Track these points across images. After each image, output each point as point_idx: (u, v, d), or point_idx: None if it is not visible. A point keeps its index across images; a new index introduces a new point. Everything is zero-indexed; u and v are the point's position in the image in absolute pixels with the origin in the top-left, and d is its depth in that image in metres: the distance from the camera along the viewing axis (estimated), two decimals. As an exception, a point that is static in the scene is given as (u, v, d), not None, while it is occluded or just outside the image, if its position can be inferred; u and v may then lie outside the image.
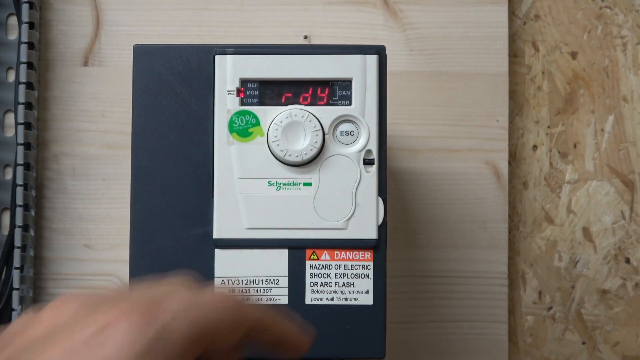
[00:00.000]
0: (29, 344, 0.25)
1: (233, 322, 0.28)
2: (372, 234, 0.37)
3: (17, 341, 0.25)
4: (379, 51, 0.38)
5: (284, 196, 0.37)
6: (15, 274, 0.48)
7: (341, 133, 0.37)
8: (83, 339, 0.24)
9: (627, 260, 0.52)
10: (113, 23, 0.52)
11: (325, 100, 0.37)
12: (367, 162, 0.37)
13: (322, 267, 0.37)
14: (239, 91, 0.37)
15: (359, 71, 0.37)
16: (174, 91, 0.38)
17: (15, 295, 0.48)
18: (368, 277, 0.37)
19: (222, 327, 0.27)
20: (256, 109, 0.37)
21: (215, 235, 0.37)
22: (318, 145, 0.37)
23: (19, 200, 0.48)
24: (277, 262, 0.37)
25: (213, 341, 0.27)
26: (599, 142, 0.52)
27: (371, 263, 0.37)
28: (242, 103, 0.37)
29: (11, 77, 0.51)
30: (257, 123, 0.37)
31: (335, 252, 0.37)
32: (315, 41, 0.51)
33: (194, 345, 0.26)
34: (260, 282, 0.37)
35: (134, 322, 0.24)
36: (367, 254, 0.37)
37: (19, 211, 0.48)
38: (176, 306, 0.26)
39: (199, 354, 0.26)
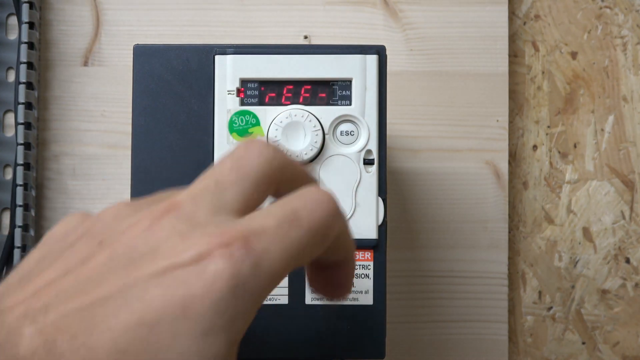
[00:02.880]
0: (129, 251, 0.24)
1: (322, 239, 0.27)
2: (372, 234, 0.37)
3: (116, 244, 0.25)
4: (379, 51, 0.38)
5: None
6: (15, 274, 0.48)
7: (341, 133, 0.37)
8: (182, 263, 0.23)
9: (627, 260, 0.52)
10: (113, 23, 0.52)
11: (325, 101, 0.37)
12: (367, 162, 0.37)
13: (322, 267, 0.37)
14: (239, 91, 0.37)
15: (359, 71, 0.37)
16: (174, 91, 0.38)
17: (15, 295, 0.48)
18: (368, 277, 0.37)
19: (311, 248, 0.26)
20: (256, 109, 0.37)
21: (215, 235, 0.37)
22: (318, 145, 0.37)
23: (19, 200, 0.48)
24: (277, 262, 0.37)
25: (299, 264, 0.26)
26: (599, 142, 0.52)
27: (371, 263, 0.37)
28: (242, 103, 0.37)
29: (11, 77, 0.51)
30: (257, 123, 0.37)
31: (335, 252, 0.37)
32: (315, 41, 0.51)
33: (283, 273, 0.25)
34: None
35: (229, 259, 0.24)
36: (367, 254, 0.37)
37: (19, 211, 0.48)
38: (273, 233, 0.25)
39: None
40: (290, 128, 0.37)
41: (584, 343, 0.52)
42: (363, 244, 0.37)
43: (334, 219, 0.27)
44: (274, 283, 0.25)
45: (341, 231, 0.28)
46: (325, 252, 0.27)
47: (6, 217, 0.50)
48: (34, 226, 0.50)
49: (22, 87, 0.49)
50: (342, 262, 0.29)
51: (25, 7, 0.49)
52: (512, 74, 0.53)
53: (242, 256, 0.24)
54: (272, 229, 0.25)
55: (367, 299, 0.37)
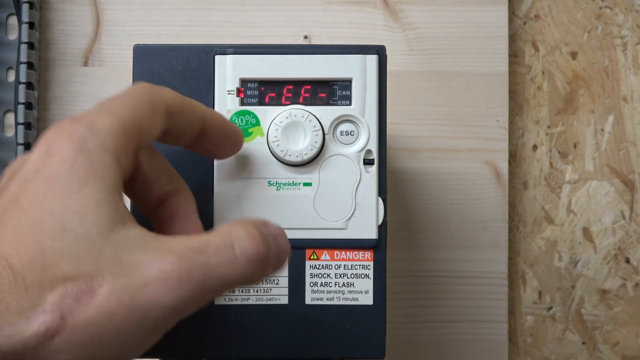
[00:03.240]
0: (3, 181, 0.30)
1: (150, 103, 0.30)
2: (372, 234, 0.37)
3: None
4: (379, 51, 0.38)
5: (284, 196, 0.37)
6: (15, 274, 0.48)
7: (341, 133, 0.37)
8: (32, 165, 0.28)
9: (627, 260, 0.52)
10: (113, 23, 0.52)
11: (325, 101, 0.37)
12: (367, 162, 0.37)
13: (322, 267, 0.37)
14: (239, 91, 0.37)
15: (359, 71, 0.37)
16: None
17: (15, 295, 0.48)
18: (368, 277, 0.37)
19: (141, 111, 0.30)
20: (256, 109, 0.37)
21: (215, 235, 0.37)
22: (318, 145, 0.37)
23: (19, 200, 0.48)
24: (277, 262, 0.37)
25: (139, 130, 0.30)
26: (599, 142, 0.52)
27: (371, 263, 0.37)
28: (242, 103, 0.37)
29: (11, 77, 0.51)
30: (257, 123, 0.37)
31: (335, 252, 0.37)
32: (315, 41, 0.51)
33: (124, 136, 0.29)
34: (260, 282, 0.37)
35: (62, 133, 0.28)
36: (367, 254, 0.37)
37: (19, 211, 0.48)
38: (96, 108, 0.30)
39: (134, 149, 0.30)
40: (290, 128, 0.37)
41: (584, 343, 0.52)
42: (363, 244, 0.37)
43: (151, 87, 0.31)
44: (122, 138, 0.29)
45: (172, 97, 0.31)
46: (181, 122, 0.32)
47: (6, 217, 0.50)
48: (34, 226, 0.50)
49: (22, 87, 0.49)
50: (209, 126, 0.33)
51: (25, 7, 0.49)
52: (512, 74, 0.53)
53: (74, 126, 0.28)
54: (95, 109, 0.29)
55: (367, 299, 0.37)
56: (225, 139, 0.34)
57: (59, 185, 0.27)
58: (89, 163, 0.27)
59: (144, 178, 0.33)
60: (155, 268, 0.26)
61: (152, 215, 0.34)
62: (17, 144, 0.49)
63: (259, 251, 0.28)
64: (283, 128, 0.37)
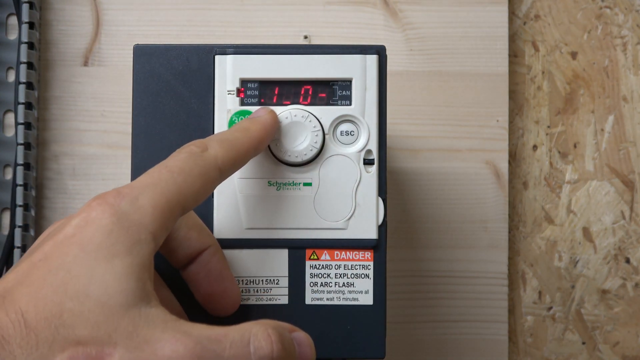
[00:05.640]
0: (38, 243, 0.30)
1: (200, 174, 0.31)
2: (372, 234, 0.37)
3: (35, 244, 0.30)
4: (379, 51, 0.38)
5: (284, 196, 0.37)
6: (15, 274, 0.48)
7: (341, 133, 0.37)
8: (70, 230, 0.28)
9: (627, 260, 0.52)
10: (113, 23, 0.52)
11: (325, 101, 0.37)
12: (367, 162, 0.37)
13: (322, 267, 0.37)
14: (239, 91, 0.37)
15: (359, 71, 0.37)
16: (174, 91, 0.38)
17: (15, 295, 0.48)
18: (368, 277, 0.37)
19: (190, 185, 0.30)
20: (256, 109, 0.37)
21: (215, 236, 0.37)
22: (318, 145, 0.37)
23: (19, 200, 0.48)
24: (277, 262, 0.37)
25: (183, 208, 0.30)
26: (599, 142, 0.52)
27: (371, 263, 0.37)
28: (242, 103, 0.37)
29: (11, 77, 0.51)
30: (257, 123, 0.37)
31: (335, 252, 0.37)
32: (315, 41, 0.51)
33: (167, 213, 0.29)
34: (260, 282, 0.37)
35: (105, 204, 0.28)
36: (367, 254, 0.37)
37: (19, 211, 0.48)
38: (143, 179, 0.30)
39: (174, 222, 0.30)
40: (290, 128, 0.37)
41: (584, 343, 0.52)
42: (363, 244, 0.37)
43: (200, 155, 0.32)
44: (163, 216, 0.29)
45: (221, 157, 0.32)
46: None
47: (6, 217, 0.50)
48: (34, 226, 0.50)
49: (22, 87, 0.49)
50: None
51: (25, 7, 0.49)
52: (512, 74, 0.53)
53: (117, 199, 0.28)
54: (142, 179, 0.30)
55: (367, 299, 0.37)
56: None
57: (91, 253, 0.27)
58: (125, 237, 0.28)
59: (175, 235, 0.33)
60: (169, 347, 0.27)
61: (184, 272, 0.34)
62: (17, 144, 0.49)
63: (273, 353, 0.28)
64: (283, 128, 0.37)
